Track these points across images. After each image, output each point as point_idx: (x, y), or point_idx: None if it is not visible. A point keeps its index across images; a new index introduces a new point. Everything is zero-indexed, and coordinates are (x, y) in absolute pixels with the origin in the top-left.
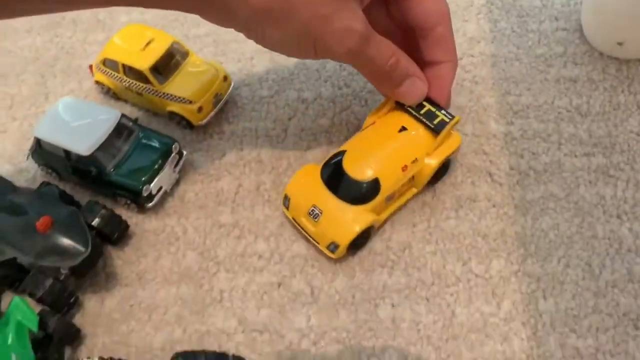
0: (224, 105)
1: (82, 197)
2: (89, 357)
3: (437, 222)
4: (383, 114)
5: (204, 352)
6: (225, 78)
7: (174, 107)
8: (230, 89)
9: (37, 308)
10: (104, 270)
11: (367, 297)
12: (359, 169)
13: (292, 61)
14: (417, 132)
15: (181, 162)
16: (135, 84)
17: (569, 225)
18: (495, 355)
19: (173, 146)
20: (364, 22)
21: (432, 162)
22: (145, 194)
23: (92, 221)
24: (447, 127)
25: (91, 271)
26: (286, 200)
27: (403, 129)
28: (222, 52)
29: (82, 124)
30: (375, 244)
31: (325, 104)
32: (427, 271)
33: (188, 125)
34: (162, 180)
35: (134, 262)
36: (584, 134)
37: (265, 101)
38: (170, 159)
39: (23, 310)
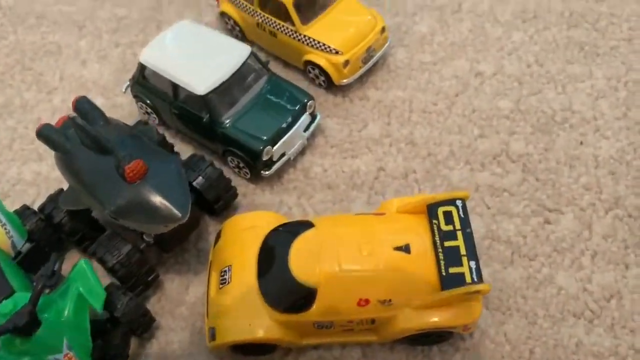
0: (373, 65)
1: (183, 152)
2: None
3: None
4: (404, 208)
5: None
6: (383, 30)
7: (314, 57)
8: (386, 46)
9: (106, 281)
10: (196, 246)
11: (553, 355)
12: (304, 263)
13: (469, 24)
14: (419, 265)
15: (312, 127)
16: (271, 20)
17: None
18: None
19: (308, 103)
20: None
21: (410, 323)
22: (265, 157)
23: (194, 180)
24: (459, 290)
25: (181, 245)
26: (218, 235)
27: (404, 248)
28: (377, 2)
29: (200, 55)
30: (569, 282)
31: (507, 82)
32: None
33: (326, 82)
34: (287, 145)
35: None
36: None
37: (427, 68)
38: (302, 119)
39: (87, 279)
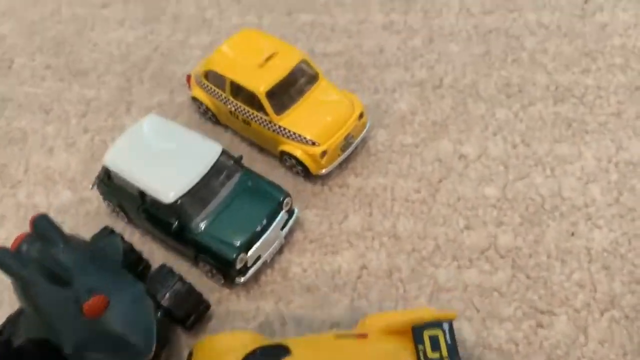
0: (353, 150)
1: (154, 253)
2: None
3: None
4: (388, 328)
5: None
6: (361, 116)
7: (290, 147)
8: (365, 130)
9: None
10: None
11: None
12: None
13: (451, 101)
14: None
15: (290, 223)
16: (244, 109)
17: None
18: None
19: (284, 201)
20: None
21: None
22: (238, 266)
23: (162, 298)
24: None
25: None
26: (190, 356)
27: None
28: (355, 79)
29: (167, 156)
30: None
31: (493, 165)
32: None
33: (304, 172)
34: (262, 248)
35: None
36: None
37: (408, 151)
38: (278, 218)
39: None
